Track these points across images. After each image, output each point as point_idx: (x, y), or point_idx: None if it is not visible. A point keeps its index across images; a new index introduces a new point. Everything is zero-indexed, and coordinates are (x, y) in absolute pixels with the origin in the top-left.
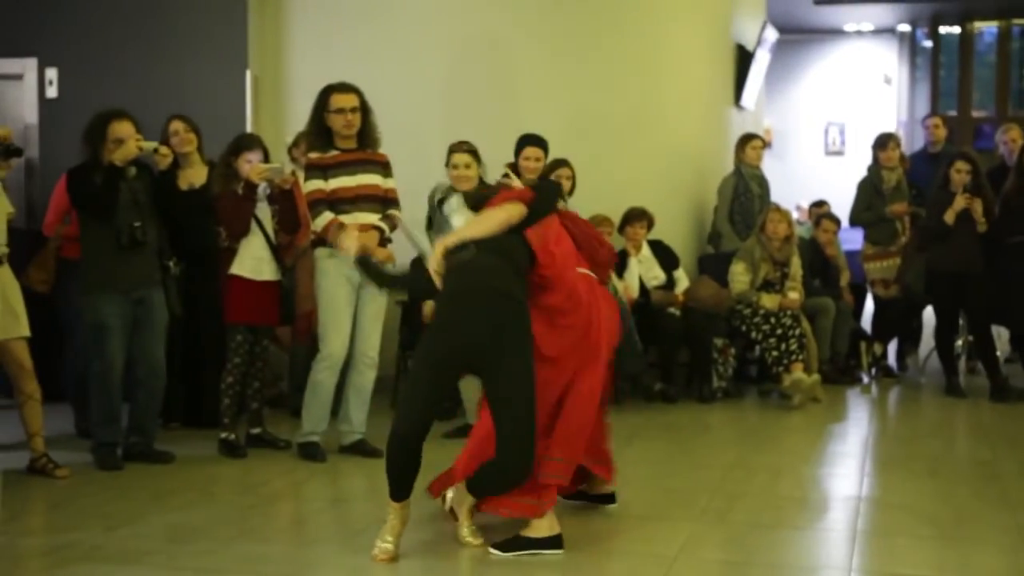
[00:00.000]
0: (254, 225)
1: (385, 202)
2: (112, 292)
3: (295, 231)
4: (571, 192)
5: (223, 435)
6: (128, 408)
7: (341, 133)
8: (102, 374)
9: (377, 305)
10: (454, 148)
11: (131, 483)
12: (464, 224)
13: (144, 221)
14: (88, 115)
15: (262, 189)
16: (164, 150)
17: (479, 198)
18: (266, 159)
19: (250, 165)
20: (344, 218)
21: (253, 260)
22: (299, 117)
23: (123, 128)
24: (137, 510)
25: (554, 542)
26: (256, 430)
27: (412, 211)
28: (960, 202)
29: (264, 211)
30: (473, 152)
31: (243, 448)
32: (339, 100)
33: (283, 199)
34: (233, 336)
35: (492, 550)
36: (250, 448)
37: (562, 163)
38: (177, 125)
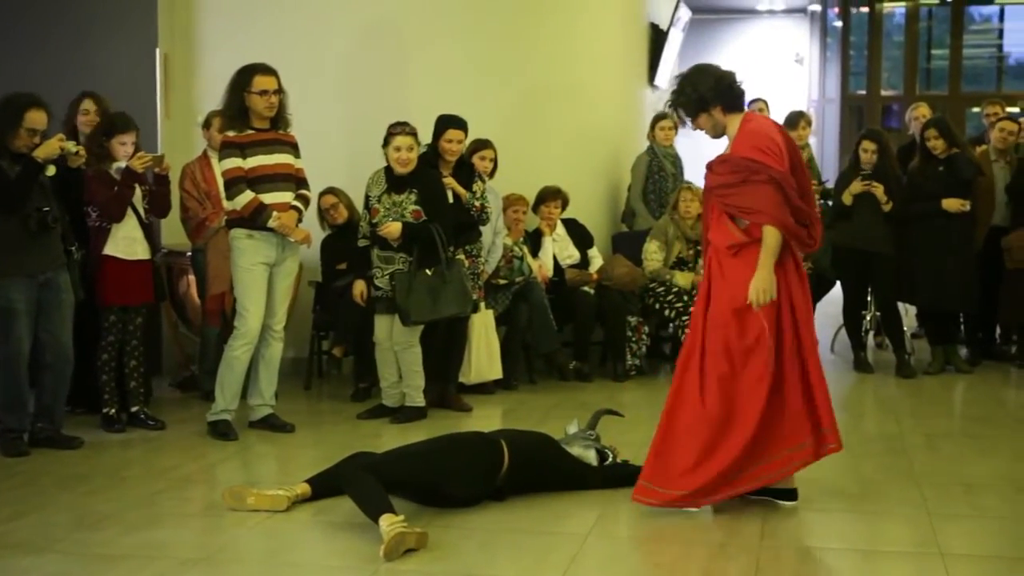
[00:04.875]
0: None
1: (297, 182)
2: (19, 276)
3: (165, 214)
4: (492, 173)
5: (104, 410)
6: (35, 393)
7: (262, 114)
8: (8, 359)
9: (287, 284)
10: (395, 131)
11: (38, 469)
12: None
13: (52, 205)
14: None
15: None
16: (82, 151)
17: None
18: (137, 140)
19: (123, 148)
20: (264, 197)
21: (126, 240)
22: (210, 96)
23: (39, 118)
24: (44, 497)
25: (792, 494)
26: (134, 408)
27: (312, 194)
28: (857, 187)
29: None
30: (414, 134)
31: (122, 424)
32: (263, 82)
33: (159, 184)
34: (107, 316)
35: None
36: (128, 427)
37: (485, 144)
38: (88, 104)
